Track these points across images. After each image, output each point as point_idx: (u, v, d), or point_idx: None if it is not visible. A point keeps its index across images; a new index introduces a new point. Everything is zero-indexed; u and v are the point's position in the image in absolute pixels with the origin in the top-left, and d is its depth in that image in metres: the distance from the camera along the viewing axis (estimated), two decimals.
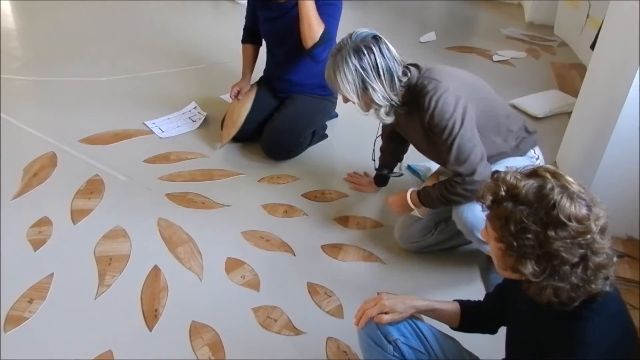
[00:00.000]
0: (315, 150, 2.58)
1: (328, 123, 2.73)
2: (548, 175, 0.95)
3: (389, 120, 1.70)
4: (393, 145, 2.10)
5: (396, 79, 1.63)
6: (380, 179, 2.26)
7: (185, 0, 4.36)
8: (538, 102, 2.94)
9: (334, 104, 2.62)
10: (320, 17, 2.25)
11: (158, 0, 4.33)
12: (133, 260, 1.91)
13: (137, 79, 3.14)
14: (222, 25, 3.89)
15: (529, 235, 0.92)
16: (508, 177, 0.97)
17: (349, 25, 4.06)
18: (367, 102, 1.67)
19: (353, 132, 2.73)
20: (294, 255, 1.98)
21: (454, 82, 1.63)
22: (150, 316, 1.70)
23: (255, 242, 2.02)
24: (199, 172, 2.40)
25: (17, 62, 3.25)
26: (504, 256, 0.99)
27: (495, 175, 1.02)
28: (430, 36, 3.73)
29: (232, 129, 2.45)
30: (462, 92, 1.61)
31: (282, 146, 2.44)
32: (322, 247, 2.01)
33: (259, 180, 2.36)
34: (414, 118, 1.69)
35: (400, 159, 2.16)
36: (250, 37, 2.60)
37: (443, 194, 1.67)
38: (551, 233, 0.90)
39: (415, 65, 1.70)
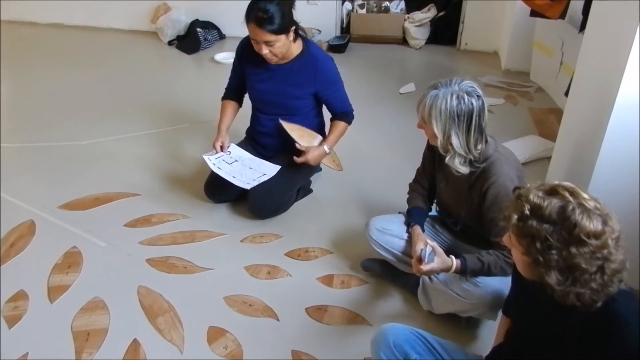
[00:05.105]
0: (299, 206, 2.56)
1: (312, 177, 2.72)
2: (567, 195, 1.06)
3: (462, 169, 1.72)
4: (426, 193, 2.04)
5: (478, 140, 1.68)
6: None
7: (166, 60, 4.43)
8: (518, 149, 2.94)
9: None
10: (334, 99, 2.42)
11: (138, 62, 4.39)
12: (112, 334, 1.85)
13: (118, 141, 3.13)
14: (205, 85, 3.93)
15: (553, 252, 1.05)
16: (531, 196, 1.08)
17: None
18: (447, 145, 1.70)
19: (338, 187, 2.72)
20: (278, 320, 1.93)
21: (513, 168, 1.73)
22: None
23: (238, 308, 1.97)
24: (180, 234, 2.37)
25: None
26: (529, 267, 1.13)
27: (517, 193, 1.13)
28: (410, 87, 3.79)
29: (312, 138, 2.43)
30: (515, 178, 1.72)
31: (269, 208, 2.43)
32: (307, 309, 1.97)
33: (241, 241, 2.33)
34: (467, 175, 1.74)
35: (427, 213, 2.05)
36: (233, 94, 2.55)
37: (495, 263, 1.68)
38: (573, 250, 1.03)
39: (492, 137, 1.76)
